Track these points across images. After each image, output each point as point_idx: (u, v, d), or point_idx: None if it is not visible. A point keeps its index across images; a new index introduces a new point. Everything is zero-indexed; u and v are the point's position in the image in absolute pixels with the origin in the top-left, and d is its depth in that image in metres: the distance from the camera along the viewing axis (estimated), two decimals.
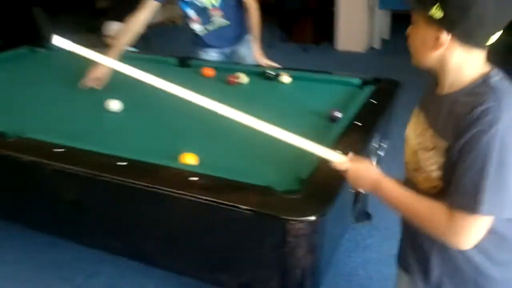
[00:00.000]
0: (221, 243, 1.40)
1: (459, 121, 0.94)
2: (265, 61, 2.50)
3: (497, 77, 0.98)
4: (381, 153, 2.01)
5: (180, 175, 1.42)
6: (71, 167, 1.50)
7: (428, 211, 1.01)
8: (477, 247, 0.99)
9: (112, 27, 3.03)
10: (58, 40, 1.31)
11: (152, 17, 2.41)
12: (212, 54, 2.73)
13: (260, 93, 2.25)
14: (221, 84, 2.32)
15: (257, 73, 2.40)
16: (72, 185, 1.56)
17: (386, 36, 6.28)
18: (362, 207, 2.25)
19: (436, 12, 0.93)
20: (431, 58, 1.00)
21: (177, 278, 1.91)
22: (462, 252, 1.02)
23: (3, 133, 1.70)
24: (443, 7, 0.91)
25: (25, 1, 4.83)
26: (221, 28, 2.62)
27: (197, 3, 2.53)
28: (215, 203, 1.31)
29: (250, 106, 2.08)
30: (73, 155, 1.55)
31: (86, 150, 1.57)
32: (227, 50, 2.73)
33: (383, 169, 1.14)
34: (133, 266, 2.13)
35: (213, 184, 1.37)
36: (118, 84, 2.21)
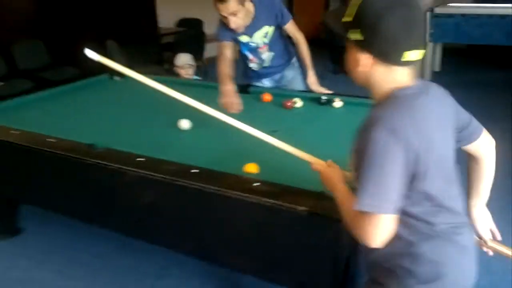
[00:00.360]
0: (280, 243, 1.58)
1: (359, 128, 1.11)
2: (318, 88, 2.71)
3: (408, 91, 1.12)
4: None
5: (245, 181, 1.63)
6: (152, 173, 1.74)
7: (348, 210, 1.16)
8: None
9: (182, 58, 3.36)
10: (90, 53, 1.58)
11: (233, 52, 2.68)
12: (265, 82, 2.98)
13: (314, 116, 2.46)
14: (279, 108, 2.55)
15: (312, 98, 2.62)
16: (151, 190, 1.80)
17: (437, 68, 6.36)
18: None
19: (355, 35, 1.10)
20: (359, 76, 1.17)
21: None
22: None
23: (92, 145, 1.99)
24: (360, 31, 1.09)
25: (100, 34, 5.38)
26: (270, 60, 2.85)
27: (251, 44, 2.75)
28: (275, 205, 1.50)
29: (305, 127, 2.31)
30: (153, 163, 1.81)
31: (163, 160, 1.82)
32: (276, 76, 2.96)
33: None
34: (198, 268, 2.36)
35: (273, 189, 1.57)
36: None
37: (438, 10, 5.71)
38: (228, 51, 2.63)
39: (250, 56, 2.83)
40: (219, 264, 1.90)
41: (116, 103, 2.80)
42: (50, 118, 2.51)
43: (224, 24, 2.56)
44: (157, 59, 5.65)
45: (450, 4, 5.90)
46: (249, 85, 2.90)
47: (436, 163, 1.12)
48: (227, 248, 1.73)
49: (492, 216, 1.48)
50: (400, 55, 1.09)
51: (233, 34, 2.63)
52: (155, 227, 1.89)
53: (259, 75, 2.95)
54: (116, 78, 3.32)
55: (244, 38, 2.70)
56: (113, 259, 2.53)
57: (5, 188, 2.40)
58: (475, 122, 1.31)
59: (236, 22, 2.47)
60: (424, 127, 1.10)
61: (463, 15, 5.52)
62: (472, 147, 1.33)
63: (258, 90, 2.84)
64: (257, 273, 1.75)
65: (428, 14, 5.67)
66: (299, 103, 2.53)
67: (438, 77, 6.14)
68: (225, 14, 2.42)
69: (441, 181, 1.15)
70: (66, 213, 2.26)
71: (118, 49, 4.70)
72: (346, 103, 2.52)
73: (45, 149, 2.01)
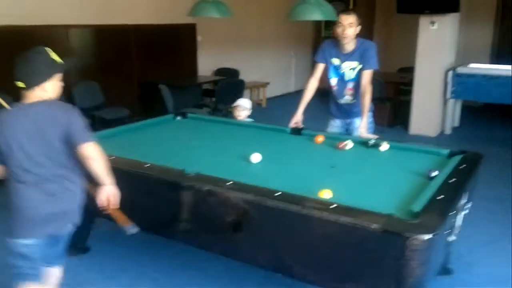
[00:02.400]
0: (354, 257, 1.88)
1: None
2: (366, 134, 3.09)
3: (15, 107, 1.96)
4: (467, 211, 2.46)
5: (322, 203, 1.97)
6: (242, 194, 2.09)
7: None
8: None
9: (237, 101, 3.77)
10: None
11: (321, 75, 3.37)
12: (336, 121, 3.50)
13: (364, 156, 2.81)
14: (331, 149, 2.92)
15: (361, 142, 2.99)
16: (238, 209, 2.13)
17: (456, 123, 6.76)
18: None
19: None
20: None
21: None
22: None
23: (183, 170, 2.35)
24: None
25: (148, 79, 5.91)
26: (348, 104, 3.39)
27: (339, 71, 3.31)
28: (351, 224, 1.83)
29: (358, 165, 2.68)
30: (240, 186, 2.15)
31: (248, 184, 2.17)
32: (348, 120, 3.45)
33: None
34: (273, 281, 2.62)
35: (348, 210, 1.90)
36: (256, 141, 2.90)
37: (460, 69, 6.18)
38: (319, 71, 3.38)
39: (334, 82, 3.38)
40: (293, 276, 2.18)
41: (185, 138, 3.18)
42: (136, 148, 2.88)
43: (324, 49, 3.33)
44: (198, 103, 6.13)
45: (471, 65, 6.38)
46: (301, 129, 3.29)
47: (14, 153, 1.91)
48: (302, 262, 2.02)
49: None
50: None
51: (328, 57, 3.32)
52: (238, 242, 2.19)
53: (334, 114, 3.48)
54: (178, 117, 3.75)
55: (335, 61, 3.29)
56: (177, 276, 2.83)
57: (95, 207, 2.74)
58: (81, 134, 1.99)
59: (348, 32, 3.12)
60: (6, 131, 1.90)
61: (483, 76, 5.97)
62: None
63: (309, 133, 3.22)
64: (327, 285, 2.04)
65: (450, 72, 6.13)
66: (349, 145, 2.90)
67: (457, 132, 6.52)
68: (344, 23, 3.10)
69: (20, 162, 1.93)
70: (152, 230, 2.58)
71: (168, 92, 5.17)
72: (391, 147, 2.88)
73: (143, 171, 2.37)
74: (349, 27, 3.12)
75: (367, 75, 3.20)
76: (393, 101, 6.63)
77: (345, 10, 3.24)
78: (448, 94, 6.24)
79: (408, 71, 7.00)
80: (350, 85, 3.35)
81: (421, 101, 6.32)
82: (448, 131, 6.47)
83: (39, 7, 4.94)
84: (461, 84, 6.10)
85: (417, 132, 6.38)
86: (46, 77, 1.97)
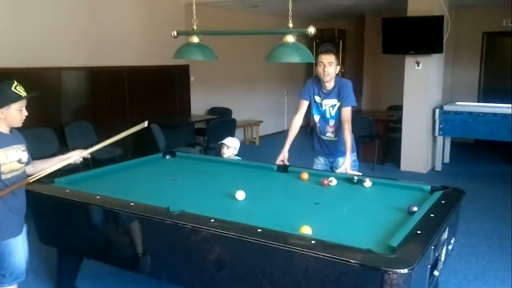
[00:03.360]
0: None
1: None
2: (350, 171, 3.15)
3: None
4: (450, 247, 2.49)
5: (303, 239, 2.00)
6: (223, 231, 2.11)
7: None
8: None
9: (225, 140, 3.84)
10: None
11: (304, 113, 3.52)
12: (320, 159, 3.59)
13: (348, 193, 2.86)
14: (316, 186, 2.96)
15: (344, 178, 3.04)
16: (221, 246, 2.15)
17: (447, 159, 6.84)
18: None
19: None
20: None
21: None
22: None
23: (168, 208, 2.38)
24: None
25: (140, 118, 5.99)
26: (330, 141, 3.49)
27: (320, 108, 3.45)
28: (332, 258, 1.85)
29: (341, 201, 2.73)
30: (221, 224, 2.18)
31: (231, 221, 2.20)
32: (331, 159, 3.53)
33: None
34: None
35: (327, 246, 1.93)
36: (242, 179, 2.95)
37: (446, 107, 6.33)
38: (304, 108, 3.54)
39: (316, 119, 3.52)
40: None
41: (172, 176, 3.23)
42: (123, 187, 2.92)
43: (307, 87, 3.51)
44: (190, 142, 6.21)
45: (458, 103, 6.54)
46: (287, 166, 3.35)
47: None
48: None
49: None
50: None
51: (311, 94, 3.48)
52: (221, 280, 2.20)
53: (320, 151, 3.58)
54: (167, 156, 3.80)
55: (317, 99, 3.45)
56: None
57: (82, 246, 2.76)
58: None
59: (329, 69, 3.28)
60: None
61: (470, 113, 6.11)
62: None
63: (294, 169, 3.27)
64: None
65: (438, 110, 6.27)
66: (334, 181, 2.95)
67: (448, 168, 6.60)
68: (325, 62, 3.26)
69: None
70: (135, 268, 2.57)
71: (160, 131, 5.25)
72: (374, 184, 2.93)
73: (128, 211, 2.40)
74: (329, 65, 3.26)
75: (345, 112, 3.31)
76: (383, 138, 6.73)
77: (325, 51, 3.40)
78: (436, 132, 6.36)
79: (397, 109, 7.15)
80: (332, 123, 3.45)
81: (411, 139, 6.42)
82: (438, 167, 6.55)
83: (33, 51, 5.08)
84: (448, 122, 6.23)
85: (408, 168, 6.45)
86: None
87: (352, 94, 3.36)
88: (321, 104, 3.44)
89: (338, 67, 3.36)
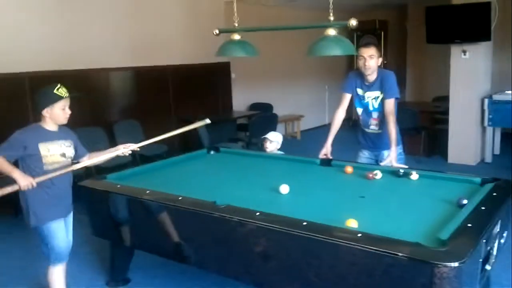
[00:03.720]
0: (381, 285, 1.89)
1: None
2: (396, 164, 3.10)
3: None
4: (502, 241, 2.41)
5: (349, 232, 2.00)
6: (270, 224, 2.15)
7: None
8: None
9: (268, 134, 3.87)
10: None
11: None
12: (365, 152, 3.55)
13: (394, 186, 2.82)
14: (361, 179, 2.94)
15: (390, 171, 3.00)
16: (266, 239, 2.19)
17: (497, 151, 6.57)
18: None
19: None
20: None
21: None
22: None
23: (214, 202, 2.44)
24: None
25: (185, 116, 6.14)
26: (374, 134, 3.44)
27: (363, 101, 3.40)
28: (378, 252, 1.85)
29: (387, 194, 2.69)
30: (267, 217, 2.22)
31: (276, 214, 2.23)
32: (376, 152, 3.49)
33: None
34: None
35: (374, 239, 1.92)
36: (286, 173, 2.98)
37: (496, 97, 6.07)
38: (346, 101, 3.51)
39: (359, 112, 3.48)
40: None
41: (217, 171, 3.30)
42: (170, 182, 3.01)
43: (349, 79, 3.46)
44: (233, 137, 6.29)
45: (508, 92, 6.26)
46: (331, 160, 3.34)
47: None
48: None
49: None
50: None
51: (353, 87, 3.43)
52: (267, 272, 2.24)
53: (364, 144, 3.55)
54: (211, 152, 3.88)
55: (359, 91, 3.40)
56: None
57: (134, 239, 2.88)
58: None
59: (369, 63, 3.23)
60: None
61: None
62: None
63: (339, 163, 3.26)
64: None
65: (486, 100, 6.04)
66: (379, 174, 2.92)
67: (498, 160, 6.34)
68: (365, 56, 3.22)
69: None
70: (184, 260, 2.66)
71: (204, 128, 5.35)
72: (421, 176, 2.87)
73: (176, 205, 2.49)
74: (370, 59, 3.22)
75: (388, 104, 3.26)
76: (428, 130, 6.55)
77: (366, 43, 3.31)
78: (486, 122, 6.12)
79: (443, 100, 6.94)
80: (375, 115, 3.40)
81: (458, 130, 6.22)
82: (488, 159, 6.31)
83: (84, 54, 5.30)
84: (498, 112, 5.98)
85: (456, 161, 6.25)
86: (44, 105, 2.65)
87: (395, 86, 3.30)
88: (363, 96, 3.40)
89: (380, 59, 3.30)
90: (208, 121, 2.77)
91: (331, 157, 3.38)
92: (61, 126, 2.76)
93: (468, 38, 5.87)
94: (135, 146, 2.90)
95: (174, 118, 6.32)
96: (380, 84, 3.31)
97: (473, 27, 5.79)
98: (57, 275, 2.78)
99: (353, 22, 2.40)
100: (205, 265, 2.60)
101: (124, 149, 2.86)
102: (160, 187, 2.73)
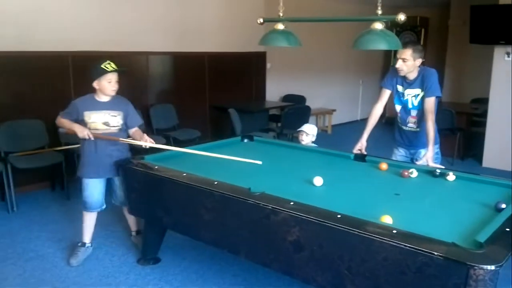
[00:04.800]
0: (414, 283, 1.89)
1: None
2: (432, 163, 3.06)
3: None
4: None
5: (384, 228, 2.00)
6: (303, 215, 2.17)
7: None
8: None
9: (303, 126, 3.88)
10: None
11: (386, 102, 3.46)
12: (401, 150, 3.51)
13: (429, 185, 2.79)
14: (396, 176, 2.92)
15: (425, 171, 2.97)
16: (299, 229, 2.21)
17: None
18: None
19: None
20: None
21: None
22: None
23: (249, 188, 2.48)
24: None
25: (218, 104, 6.22)
26: (412, 132, 3.39)
27: (402, 98, 3.36)
28: (413, 249, 1.84)
29: (422, 193, 2.67)
30: (301, 207, 2.24)
31: (309, 205, 2.25)
32: (412, 150, 3.45)
33: None
34: None
35: (409, 236, 1.92)
36: (319, 165, 2.99)
37: None
38: (385, 97, 3.46)
39: (398, 109, 3.44)
40: None
41: (252, 158, 3.32)
42: (206, 166, 3.05)
43: (390, 75, 3.36)
44: (264, 127, 6.32)
45: None
46: (365, 155, 3.32)
47: None
48: (362, 285, 2.05)
49: None
50: None
51: (394, 83, 3.36)
52: (298, 262, 2.26)
53: (400, 142, 3.51)
54: (245, 140, 3.92)
55: (399, 88, 3.36)
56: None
57: (167, 219, 2.95)
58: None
59: (402, 66, 3.21)
60: None
61: None
62: None
63: (373, 159, 3.24)
64: None
65: None
66: (415, 173, 2.89)
67: None
68: (398, 56, 3.18)
69: None
70: (215, 244, 2.72)
71: (237, 116, 5.40)
72: (458, 178, 2.83)
73: (212, 189, 2.54)
74: (402, 61, 3.18)
75: (428, 103, 3.21)
76: (465, 132, 6.41)
77: (404, 44, 3.14)
78: None
79: (481, 102, 6.76)
80: (414, 113, 3.36)
81: (496, 134, 6.06)
82: None
83: (125, 36, 5.41)
84: None
85: (491, 165, 6.10)
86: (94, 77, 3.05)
87: (436, 84, 3.24)
88: (403, 94, 3.36)
89: (419, 60, 3.21)
90: (259, 162, 2.86)
91: (365, 153, 3.36)
92: (115, 97, 3.16)
93: None
94: (153, 144, 3.16)
95: (208, 104, 6.39)
96: (421, 82, 3.26)
97: None
98: (86, 219, 3.29)
99: (402, 17, 2.36)
100: (235, 250, 2.64)
101: (147, 142, 3.14)
102: (196, 171, 2.79)
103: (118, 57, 5.27)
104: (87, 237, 3.34)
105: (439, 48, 9.40)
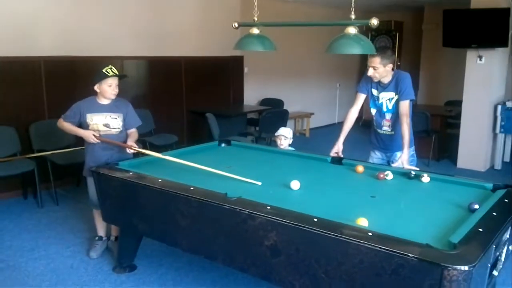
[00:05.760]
0: (388, 284, 1.90)
1: None
2: (407, 165, 3.09)
3: None
4: (511, 248, 2.40)
5: (359, 230, 2.00)
6: (280, 219, 2.16)
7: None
8: None
9: (279, 130, 3.88)
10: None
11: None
12: (377, 153, 3.55)
13: (404, 187, 2.82)
14: (372, 179, 2.94)
15: (401, 173, 3.00)
16: (276, 233, 2.20)
17: (507, 158, 6.53)
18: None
19: None
20: None
21: None
22: None
23: (226, 194, 2.45)
24: None
25: (196, 108, 6.18)
26: (387, 136, 3.43)
27: (377, 101, 3.39)
28: (389, 251, 1.85)
29: (398, 195, 2.69)
30: (278, 211, 2.23)
31: (286, 209, 2.24)
32: (388, 153, 3.48)
33: None
34: None
35: (385, 239, 1.93)
36: (297, 169, 2.99)
37: (509, 103, 6.03)
38: (360, 101, 3.50)
39: (373, 113, 3.48)
40: None
41: (228, 164, 3.30)
42: (182, 172, 3.02)
43: (365, 80, 3.38)
44: (243, 131, 6.31)
45: None
46: (342, 158, 3.34)
47: None
48: (338, 287, 2.05)
49: None
50: None
51: (368, 87, 3.40)
52: (275, 267, 2.25)
53: (376, 145, 3.54)
54: (223, 144, 3.90)
55: (374, 92, 3.39)
56: None
57: (143, 226, 2.90)
58: None
59: (374, 74, 3.25)
60: None
61: None
62: None
63: (350, 162, 3.26)
64: None
65: (500, 107, 6.00)
66: (390, 175, 2.92)
67: (508, 167, 6.31)
68: (368, 64, 3.22)
69: None
70: (193, 250, 2.69)
71: (214, 120, 5.37)
72: (433, 179, 2.87)
73: (188, 194, 2.50)
74: (373, 69, 3.22)
75: (403, 106, 3.24)
76: (440, 134, 6.53)
77: (376, 50, 3.08)
78: (497, 129, 6.09)
79: (455, 104, 6.90)
80: (388, 117, 3.40)
81: (469, 135, 6.19)
82: (498, 166, 6.28)
83: (99, 41, 5.33)
84: (510, 119, 5.94)
85: (465, 166, 6.23)
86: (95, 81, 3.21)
87: (410, 87, 3.28)
88: (378, 97, 3.39)
89: (389, 66, 3.23)
90: (259, 183, 2.76)
91: (342, 155, 3.38)
92: (116, 100, 3.32)
93: (485, 43, 5.84)
94: (139, 149, 3.26)
95: (185, 109, 6.34)
96: (395, 85, 3.30)
97: (490, 33, 5.75)
98: (95, 216, 3.44)
99: (374, 22, 2.39)
100: (212, 256, 2.61)
101: (131, 148, 3.22)
102: (172, 177, 2.75)
103: (91, 63, 5.22)
104: (101, 231, 3.50)
105: (414, 51, 9.57)
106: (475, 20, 5.84)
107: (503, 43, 5.78)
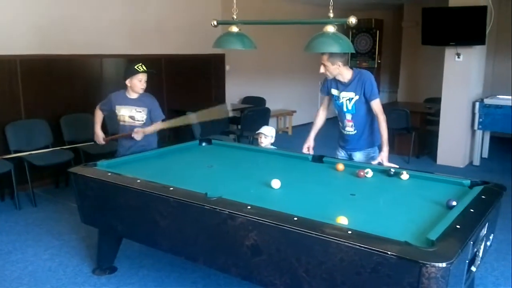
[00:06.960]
0: (370, 283, 1.91)
1: None
2: (388, 163, 3.11)
3: None
4: (488, 243, 2.44)
5: (339, 229, 2.01)
6: (260, 218, 2.15)
7: None
8: None
9: (261, 129, 3.86)
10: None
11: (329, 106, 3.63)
12: (341, 152, 3.56)
13: (384, 185, 2.83)
14: (352, 177, 2.95)
15: (380, 170, 3.02)
16: (257, 233, 2.19)
17: (485, 154, 6.65)
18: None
19: None
20: None
21: None
22: None
23: (206, 193, 2.43)
24: None
25: (178, 107, 6.12)
26: (350, 135, 3.42)
27: (337, 101, 3.38)
28: (368, 249, 1.86)
29: (377, 193, 2.71)
30: (258, 211, 2.22)
31: (268, 208, 2.23)
32: (349, 152, 3.50)
33: None
34: None
35: (364, 236, 1.93)
36: (278, 167, 2.98)
37: (487, 101, 6.14)
38: (325, 102, 3.61)
39: (337, 112, 3.49)
40: None
41: (208, 163, 3.29)
42: (161, 172, 2.99)
43: (325, 81, 3.46)
44: (224, 130, 6.28)
45: (500, 96, 6.33)
46: (323, 156, 3.34)
47: None
48: (320, 286, 2.05)
49: None
50: None
51: (327, 88, 3.45)
52: (256, 266, 2.24)
53: (341, 144, 3.54)
54: (203, 143, 3.87)
55: (334, 92, 3.39)
56: None
57: (122, 227, 2.86)
58: None
59: (324, 71, 3.25)
60: None
61: None
62: None
63: (330, 160, 3.27)
64: None
65: (478, 103, 6.10)
66: (370, 173, 2.93)
67: (486, 163, 6.42)
68: (321, 61, 3.20)
69: None
70: (174, 251, 2.66)
71: (196, 120, 5.31)
72: (412, 176, 2.90)
73: (167, 195, 2.47)
74: (323, 66, 3.22)
75: (375, 105, 3.25)
76: (419, 131, 6.61)
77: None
78: (476, 125, 6.19)
79: (435, 102, 6.99)
80: (349, 117, 3.37)
81: (448, 132, 6.28)
82: (476, 162, 6.39)
83: (78, 39, 5.24)
84: (488, 115, 6.05)
85: (444, 162, 6.32)
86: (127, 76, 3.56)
87: (375, 87, 3.27)
88: (338, 97, 3.36)
89: (339, 63, 3.17)
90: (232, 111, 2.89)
91: (312, 152, 3.42)
92: (142, 95, 3.63)
93: (463, 41, 5.91)
94: (143, 132, 3.60)
95: (166, 107, 6.26)
96: (356, 85, 3.26)
97: (468, 31, 5.83)
98: None
99: (353, 20, 2.38)
100: (193, 257, 2.59)
101: (137, 134, 3.55)
102: (151, 177, 2.72)
103: (69, 61, 5.14)
104: None
105: (394, 49, 9.67)
106: (454, 18, 5.92)
107: (480, 41, 5.86)
